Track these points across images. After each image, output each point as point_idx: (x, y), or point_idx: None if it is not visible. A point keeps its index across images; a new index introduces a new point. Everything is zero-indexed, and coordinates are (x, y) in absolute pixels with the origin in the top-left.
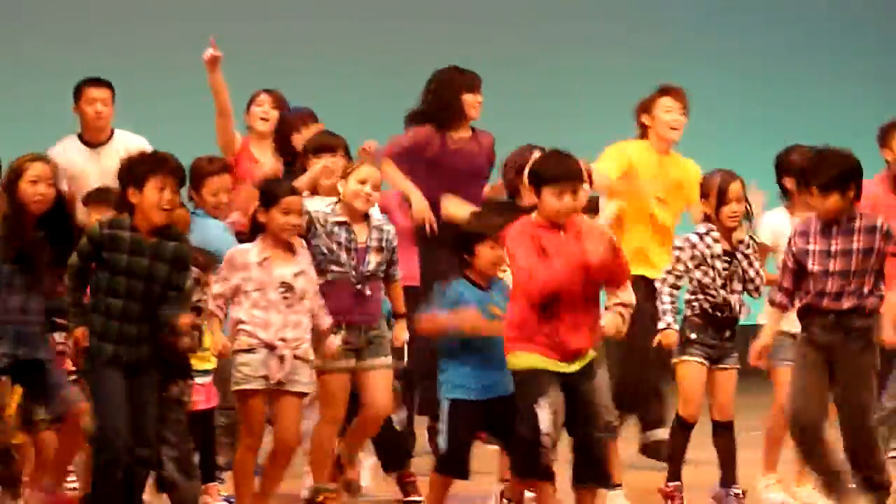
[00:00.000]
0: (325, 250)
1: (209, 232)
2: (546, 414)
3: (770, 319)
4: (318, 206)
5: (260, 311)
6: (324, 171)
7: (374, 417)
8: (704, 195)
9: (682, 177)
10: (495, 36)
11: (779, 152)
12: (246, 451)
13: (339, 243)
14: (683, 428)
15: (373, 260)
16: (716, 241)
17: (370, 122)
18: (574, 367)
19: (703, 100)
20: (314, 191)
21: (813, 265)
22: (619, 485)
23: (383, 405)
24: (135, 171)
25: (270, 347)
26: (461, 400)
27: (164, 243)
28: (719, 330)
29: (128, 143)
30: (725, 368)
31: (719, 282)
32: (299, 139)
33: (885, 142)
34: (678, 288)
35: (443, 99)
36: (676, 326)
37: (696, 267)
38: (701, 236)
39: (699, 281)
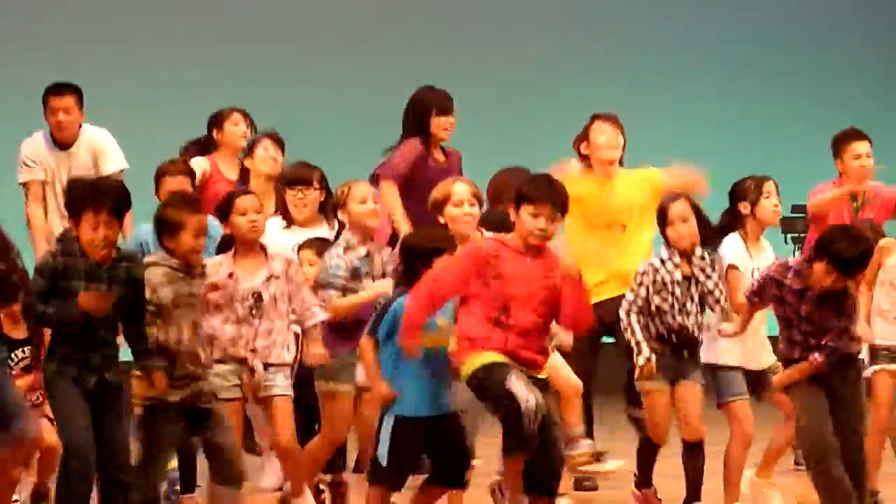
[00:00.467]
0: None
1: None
2: (519, 384)
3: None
4: (291, 239)
5: (231, 325)
6: (296, 203)
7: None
8: (659, 220)
9: (628, 192)
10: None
11: (736, 181)
12: None
13: (361, 275)
14: (652, 447)
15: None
16: (676, 266)
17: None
18: (529, 372)
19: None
20: (289, 223)
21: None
22: (564, 493)
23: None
24: (72, 202)
25: (240, 361)
26: (405, 417)
27: (118, 266)
28: (677, 351)
29: (91, 139)
30: (688, 385)
31: (676, 307)
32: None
33: (835, 153)
34: (642, 314)
35: (414, 121)
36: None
37: (657, 293)
38: (663, 262)
39: (657, 307)
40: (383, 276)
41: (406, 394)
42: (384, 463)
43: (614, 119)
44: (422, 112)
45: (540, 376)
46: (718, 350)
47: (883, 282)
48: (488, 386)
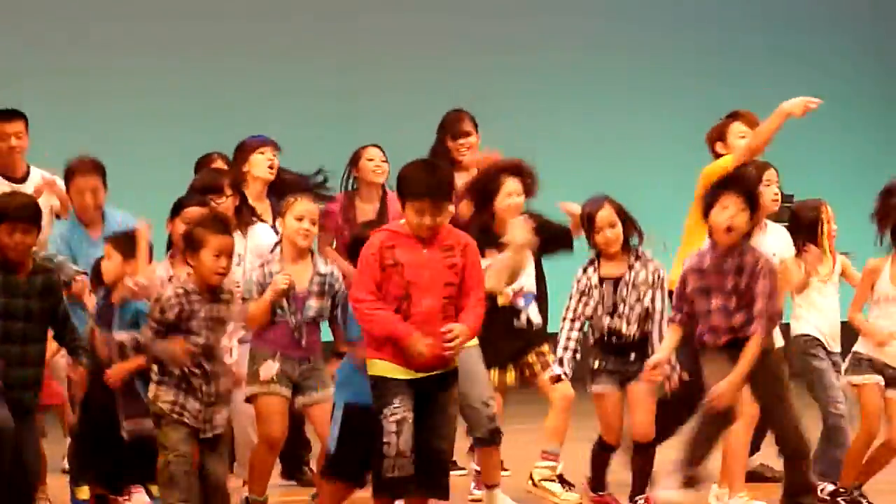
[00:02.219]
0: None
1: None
2: (390, 425)
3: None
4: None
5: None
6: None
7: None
8: (583, 222)
9: None
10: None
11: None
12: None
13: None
14: (606, 449)
15: (312, 306)
16: (594, 270)
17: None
18: (422, 374)
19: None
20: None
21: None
22: (496, 484)
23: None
24: None
25: None
26: (355, 404)
27: (34, 278)
28: (621, 354)
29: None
30: (636, 387)
31: (601, 311)
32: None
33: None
34: (577, 321)
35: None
36: (569, 373)
37: (579, 300)
38: (585, 268)
39: (582, 313)
40: (306, 295)
41: (357, 381)
42: (332, 450)
43: (752, 119)
44: (439, 137)
45: (439, 372)
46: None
47: (878, 300)
48: (374, 402)
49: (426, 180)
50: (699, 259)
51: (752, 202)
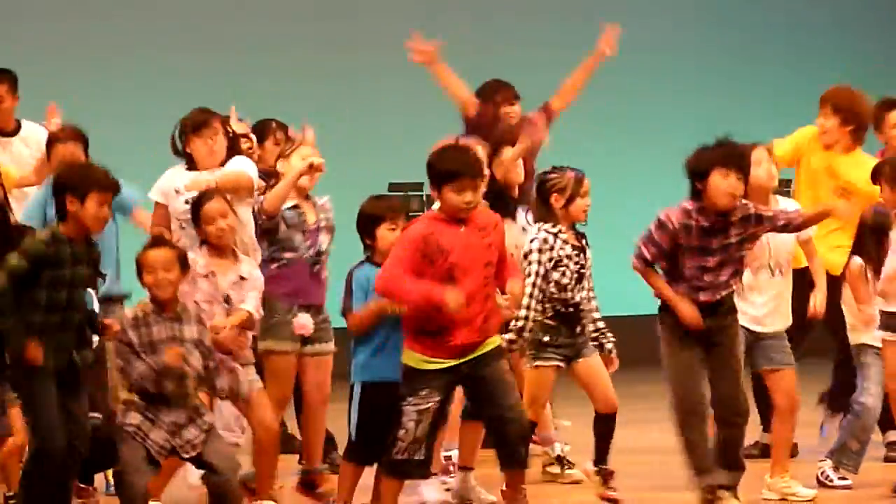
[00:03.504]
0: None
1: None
2: (411, 413)
3: None
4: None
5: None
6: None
7: (319, 403)
8: (559, 190)
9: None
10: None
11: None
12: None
13: (292, 226)
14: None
15: (325, 240)
16: (565, 242)
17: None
18: (464, 358)
19: None
20: (193, 167)
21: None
22: (472, 468)
23: (327, 392)
24: None
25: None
26: (372, 382)
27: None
28: (572, 327)
29: (35, 134)
30: (590, 360)
31: (574, 281)
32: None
33: (877, 125)
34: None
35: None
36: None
37: (553, 268)
38: (555, 236)
39: (557, 282)
40: (317, 229)
41: (372, 361)
42: (354, 436)
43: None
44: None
45: (483, 351)
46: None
47: None
48: (402, 391)
49: (461, 159)
50: (686, 216)
51: (746, 172)
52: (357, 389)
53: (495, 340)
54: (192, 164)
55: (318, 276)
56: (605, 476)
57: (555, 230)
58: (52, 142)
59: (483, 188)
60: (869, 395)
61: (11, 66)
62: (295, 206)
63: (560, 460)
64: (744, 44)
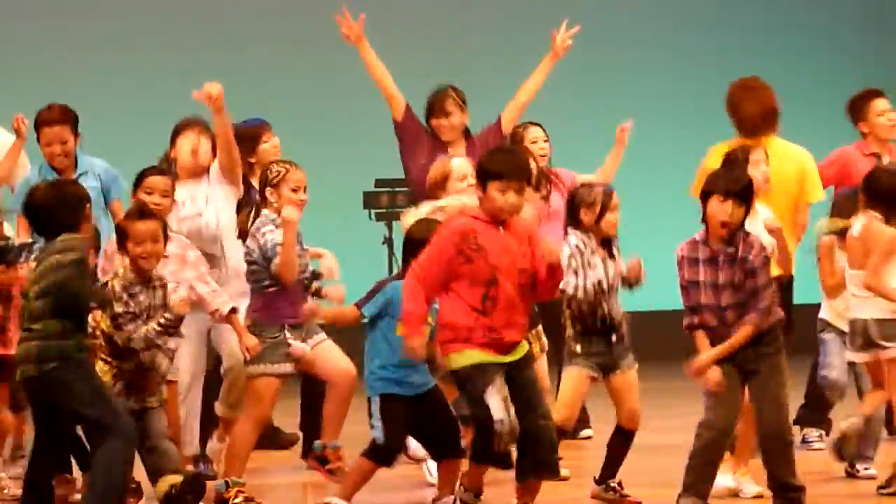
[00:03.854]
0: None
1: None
2: (496, 401)
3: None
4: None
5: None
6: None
7: (346, 382)
8: (588, 205)
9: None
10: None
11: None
12: None
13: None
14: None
15: (310, 264)
16: (592, 252)
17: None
18: (511, 357)
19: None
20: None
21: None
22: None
23: (346, 366)
24: None
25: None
26: (391, 395)
27: None
28: (605, 338)
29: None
30: (621, 374)
31: (597, 289)
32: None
33: (858, 115)
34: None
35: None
36: None
37: (577, 274)
38: (585, 242)
39: (583, 287)
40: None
41: (386, 374)
42: (381, 441)
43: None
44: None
45: (522, 353)
46: None
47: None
48: (470, 390)
49: (510, 160)
50: (692, 248)
51: (748, 197)
52: (377, 401)
53: (526, 345)
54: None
55: (306, 298)
56: (616, 490)
57: (583, 245)
58: (38, 125)
59: (527, 197)
60: (833, 369)
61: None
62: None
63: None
64: (744, 44)
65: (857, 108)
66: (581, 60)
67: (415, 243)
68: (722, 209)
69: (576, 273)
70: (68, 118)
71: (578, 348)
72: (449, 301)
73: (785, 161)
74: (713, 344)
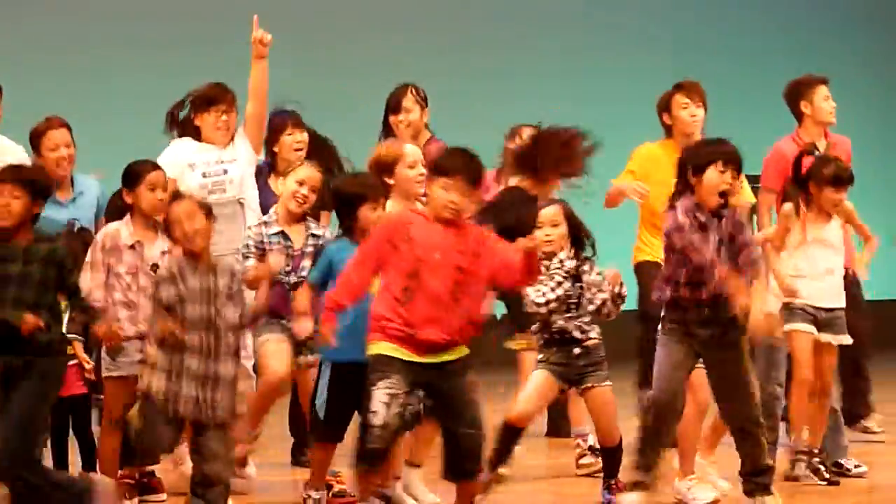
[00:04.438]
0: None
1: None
2: (381, 397)
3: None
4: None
5: (133, 294)
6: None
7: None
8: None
9: None
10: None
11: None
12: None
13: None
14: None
15: (307, 266)
16: (558, 266)
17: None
18: (432, 360)
19: None
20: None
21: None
22: (419, 465)
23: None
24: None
25: (141, 337)
26: (342, 362)
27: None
28: (565, 350)
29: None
30: (592, 388)
31: (552, 305)
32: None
33: (802, 97)
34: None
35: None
36: None
37: (560, 285)
38: (549, 256)
39: (534, 302)
40: (302, 254)
41: (343, 340)
42: (322, 415)
43: (697, 89)
44: (385, 116)
45: (448, 358)
46: None
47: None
48: (370, 378)
49: (461, 159)
50: (675, 217)
51: (740, 168)
52: (326, 368)
53: (462, 352)
54: (198, 138)
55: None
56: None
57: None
58: (41, 133)
59: (474, 201)
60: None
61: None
62: (280, 233)
63: (593, 451)
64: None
65: (801, 92)
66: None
67: (342, 198)
68: (722, 178)
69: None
70: (68, 127)
71: (540, 356)
72: (380, 292)
73: None
74: (700, 305)
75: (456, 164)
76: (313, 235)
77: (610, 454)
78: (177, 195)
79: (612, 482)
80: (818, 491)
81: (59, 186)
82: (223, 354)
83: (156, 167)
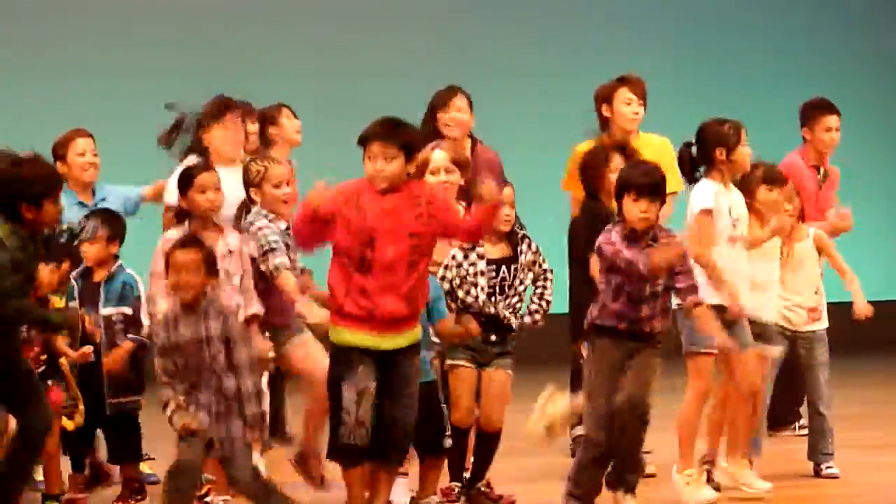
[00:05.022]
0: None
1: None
2: (350, 393)
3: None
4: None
5: None
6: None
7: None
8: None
9: (652, 155)
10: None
11: (706, 123)
12: None
13: (288, 244)
14: (458, 434)
15: (299, 258)
16: (480, 256)
17: None
18: (390, 344)
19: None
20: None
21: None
22: (406, 473)
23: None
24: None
25: None
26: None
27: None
28: (485, 337)
29: None
30: (491, 371)
31: (482, 297)
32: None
33: (805, 122)
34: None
35: (424, 124)
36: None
37: (458, 287)
38: (466, 254)
39: (462, 301)
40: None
41: None
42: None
43: (640, 85)
44: (427, 114)
45: (404, 343)
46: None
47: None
48: (332, 372)
49: (374, 126)
50: (608, 238)
51: (662, 195)
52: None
53: (415, 336)
54: (208, 158)
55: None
56: (486, 493)
57: (467, 246)
58: (66, 142)
59: (400, 161)
60: None
61: None
62: (287, 228)
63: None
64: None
65: (808, 116)
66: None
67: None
68: (636, 207)
69: (446, 283)
70: (93, 137)
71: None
72: (333, 265)
73: (646, 152)
74: (627, 334)
75: (368, 131)
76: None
77: (486, 441)
78: (186, 241)
79: (485, 486)
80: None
81: (84, 191)
82: (225, 399)
83: (206, 168)
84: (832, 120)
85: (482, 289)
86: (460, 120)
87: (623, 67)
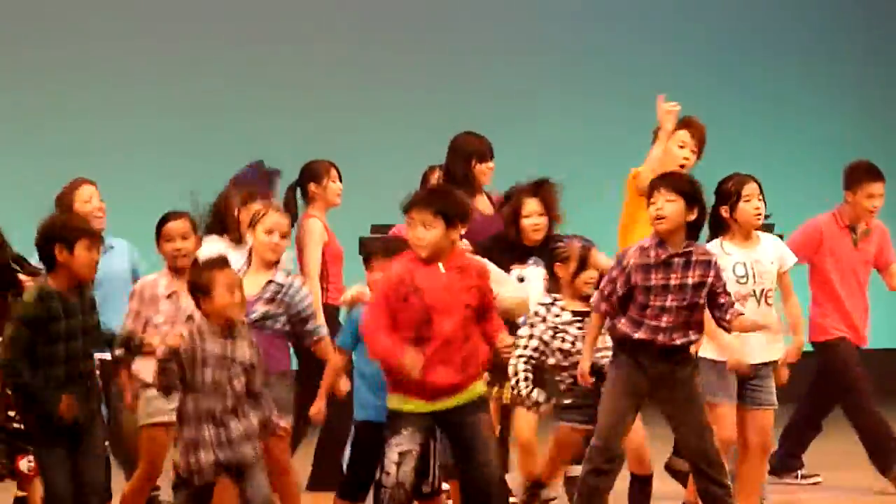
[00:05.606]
0: None
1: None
2: (393, 454)
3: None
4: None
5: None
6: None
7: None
8: (563, 260)
9: None
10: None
11: (720, 180)
12: (145, 481)
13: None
14: (537, 487)
15: (258, 309)
16: (563, 308)
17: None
18: (445, 405)
19: None
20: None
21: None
22: None
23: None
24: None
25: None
26: (367, 421)
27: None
28: (589, 390)
29: None
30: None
31: (578, 344)
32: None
33: (849, 185)
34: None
35: (457, 169)
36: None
37: (552, 337)
38: (547, 308)
39: (559, 349)
40: (256, 300)
41: (369, 399)
42: (345, 473)
43: (699, 130)
44: (463, 161)
45: (459, 403)
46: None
47: None
48: (386, 435)
49: (416, 193)
50: (643, 254)
51: (686, 194)
52: (353, 429)
53: (477, 389)
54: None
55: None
56: None
57: (547, 301)
58: (70, 191)
59: (441, 230)
60: None
61: None
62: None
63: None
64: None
65: (853, 180)
66: None
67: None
68: (651, 207)
69: (532, 338)
70: (95, 185)
71: (568, 401)
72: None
73: None
74: (648, 347)
75: (410, 199)
76: (275, 283)
77: (642, 485)
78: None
79: None
80: None
81: None
82: (239, 416)
83: (178, 216)
84: (876, 187)
85: (575, 336)
86: (491, 170)
87: None
